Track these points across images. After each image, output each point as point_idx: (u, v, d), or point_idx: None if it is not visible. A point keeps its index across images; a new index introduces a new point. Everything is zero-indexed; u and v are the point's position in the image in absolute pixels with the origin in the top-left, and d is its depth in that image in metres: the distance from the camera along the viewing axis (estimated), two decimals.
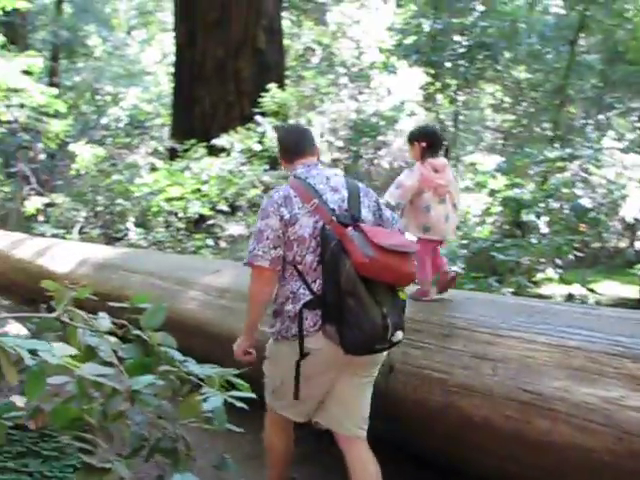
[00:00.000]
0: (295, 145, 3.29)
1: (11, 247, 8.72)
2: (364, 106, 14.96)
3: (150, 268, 6.01)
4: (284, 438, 3.28)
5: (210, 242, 9.52)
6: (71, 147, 10.05)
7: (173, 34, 13.92)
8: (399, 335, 2.90)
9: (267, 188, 9.04)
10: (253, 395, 2.29)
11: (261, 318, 3.19)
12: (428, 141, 3.77)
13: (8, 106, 8.70)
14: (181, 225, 9.81)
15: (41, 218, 11.18)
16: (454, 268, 3.59)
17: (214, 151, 9.55)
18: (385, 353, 3.05)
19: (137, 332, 2.36)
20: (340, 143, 17.71)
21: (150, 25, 24.02)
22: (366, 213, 3.11)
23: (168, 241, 9.55)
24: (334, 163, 19.08)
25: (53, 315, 2.33)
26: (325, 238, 2.92)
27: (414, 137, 3.83)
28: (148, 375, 2.19)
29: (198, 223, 9.90)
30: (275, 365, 3.14)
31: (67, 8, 23.08)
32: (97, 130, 18.25)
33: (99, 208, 11.04)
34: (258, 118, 8.88)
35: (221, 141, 9.48)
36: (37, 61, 8.77)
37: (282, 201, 3.03)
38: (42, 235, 10.25)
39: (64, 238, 9.94)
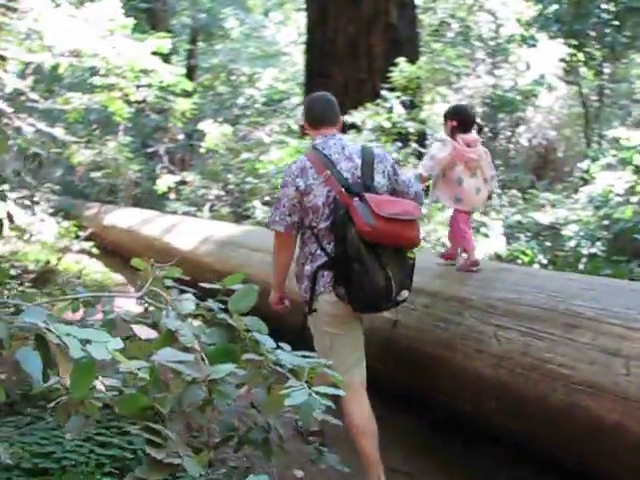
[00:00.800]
0: (320, 114, 3.51)
1: (141, 224, 8.92)
2: (501, 81, 14.29)
3: (270, 246, 5.85)
4: (358, 407, 3.32)
5: None
6: (200, 126, 10.17)
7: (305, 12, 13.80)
8: (404, 294, 3.24)
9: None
10: (342, 392, 2.01)
11: (285, 274, 3.56)
12: (459, 118, 4.01)
13: (138, 86, 8.86)
14: None
15: (173, 196, 11.41)
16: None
17: (344, 129, 9.33)
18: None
19: (223, 316, 2.14)
20: (477, 120, 17.07)
21: (285, 5, 24.10)
22: (380, 179, 3.37)
23: None
24: None
25: (136, 295, 2.16)
26: (335, 207, 3.20)
27: (446, 115, 4.09)
28: (229, 364, 1.97)
29: None
30: (315, 331, 3.46)
31: None
32: (232, 110, 18.56)
33: (230, 186, 11.13)
34: (385, 93, 8.54)
35: (351, 118, 9.22)
36: (165, 42, 8.87)
37: (298, 172, 3.31)
38: (174, 213, 10.47)
39: (195, 216, 10.08)
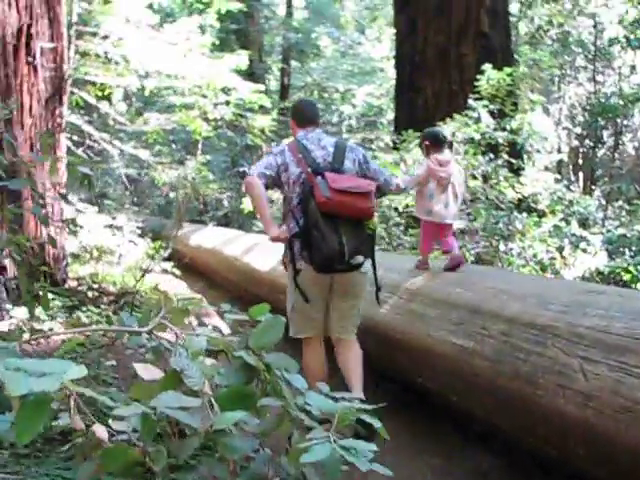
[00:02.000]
0: (304, 115, 4.24)
1: (224, 244, 8.81)
2: (603, 87, 13.51)
3: None
4: (316, 358, 4.13)
5: None
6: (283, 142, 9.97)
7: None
8: (359, 259, 3.84)
9: (486, 179, 8.27)
10: (373, 449, 1.69)
11: (266, 209, 4.03)
12: (431, 140, 4.62)
13: (215, 104, 8.82)
14: (399, 220, 9.34)
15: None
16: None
17: None
18: (359, 278, 3.98)
19: (240, 353, 1.85)
20: (578, 130, 16.24)
21: (377, 21, 23.90)
22: (350, 164, 4.04)
23: (381, 237, 9.11)
24: (573, 152, 17.61)
25: (144, 330, 1.91)
26: (302, 184, 3.88)
27: (422, 137, 4.77)
28: (243, 409, 1.68)
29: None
30: (289, 293, 4.11)
31: (301, 13, 23.76)
32: (325, 127, 18.46)
33: None
34: (471, 102, 8.11)
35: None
36: (242, 60, 8.79)
37: (278, 152, 4.06)
38: (260, 232, 10.33)
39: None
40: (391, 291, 4.56)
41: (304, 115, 4.23)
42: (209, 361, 1.86)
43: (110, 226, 9.70)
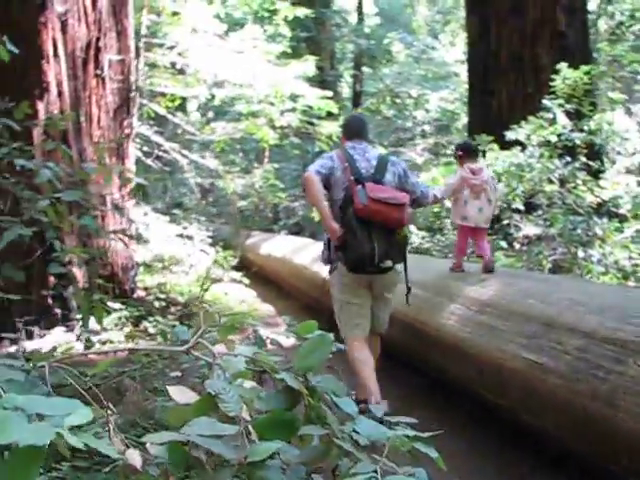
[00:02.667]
0: (352, 129, 4.58)
1: (294, 252, 8.72)
2: None
3: (415, 276, 5.38)
4: (362, 352, 4.28)
5: (503, 244, 8.66)
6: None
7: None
8: (388, 263, 4.16)
9: (562, 183, 7.92)
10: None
11: (325, 206, 4.22)
12: (463, 151, 5.07)
13: (282, 112, 8.74)
14: None
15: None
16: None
17: (508, 146, 8.64)
18: (395, 278, 4.33)
19: (284, 375, 1.71)
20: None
21: (450, 25, 23.54)
22: (390, 177, 4.33)
23: (454, 244, 8.86)
24: None
25: (182, 349, 1.79)
26: (345, 189, 4.20)
27: (455, 149, 5.30)
28: (280, 439, 1.54)
29: (492, 223, 9.07)
30: (334, 294, 4.47)
31: (373, 19, 23.65)
32: (397, 133, 18.24)
33: None
34: (546, 102, 7.77)
35: (513, 134, 8.51)
36: (309, 66, 8.70)
37: (328, 158, 4.37)
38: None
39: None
40: (461, 302, 4.35)
41: (352, 129, 4.60)
42: (249, 383, 1.72)
43: (181, 235, 9.75)
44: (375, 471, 1.51)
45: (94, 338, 5.73)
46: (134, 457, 1.71)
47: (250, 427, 1.58)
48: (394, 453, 1.82)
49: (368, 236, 4.06)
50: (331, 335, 1.90)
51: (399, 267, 4.29)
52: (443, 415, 4.35)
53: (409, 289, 4.33)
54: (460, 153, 5.06)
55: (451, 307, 4.41)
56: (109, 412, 2.21)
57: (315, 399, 1.70)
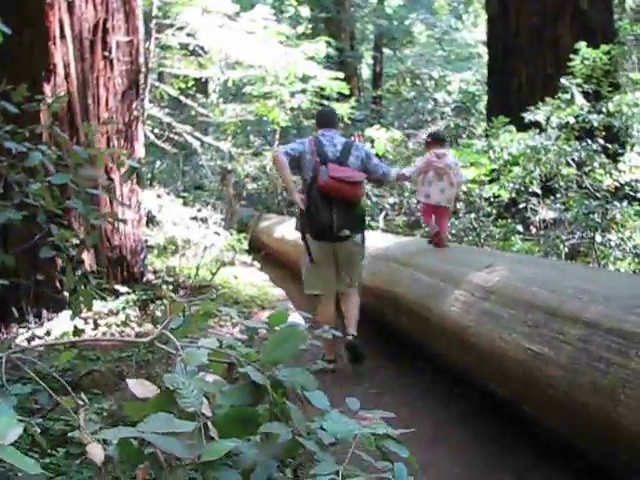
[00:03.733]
0: (323, 120, 5.42)
1: None
2: None
3: (420, 261, 5.29)
4: (326, 312, 5.20)
5: (520, 228, 8.51)
6: (367, 132, 9.75)
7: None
8: (345, 232, 4.99)
9: (580, 166, 7.74)
10: None
11: (289, 179, 5.13)
12: (431, 138, 5.89)
13: (293, 93, 8.62)
14: (490, 210, 8.92)
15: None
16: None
17: (527, 127, 8.45)
18: (354, 248, 5.17)
19: (247, 369, 1.63)
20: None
21: (472, 5, 23.18)
22: (353, 160, 5.13)
23: (470, 228, 8.73)
24: None
25: (145, 340, 1.72)
26: (312, 169, 5.01)
27: (426, 137, 6.27)
28: (241, 436, 1.46)
29: (509, 207, 8.91)
30: (302, 256, 5.33)
31: (395, 0, 23.33)
32: (417, 115, 18.03)
33: (406, 194, 10.59)
34: (564, 82, 7.58)
35: (531, 115, 8.33)
36: (320, 47, 8.56)
37: (301, 142, 5.25)
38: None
39: (370, 227, 9.66)
40: (465, 288, 4.24)
41: (323, 119, 5.45)
42: (212, 377, 1.65)
43: (195, 218, 9.71)
44: (337, 472, 1.43)
45: (102, 322, 5.74)
46: (95, 452, 1.65)
47: (210, 424, 1.51)
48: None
49: (329, 209, 4.92)
50: (303, 326, 1.82)
51: (358, 238, 5.16)
52: (447, 404, 4.28)
53: (362, 257, 5.32)
54: (429, 140, 5.90)
55: (455, 293, 4.31)
56: (80, 402, 2.16)
57: (280, 394, 1.62)
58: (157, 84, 8.64)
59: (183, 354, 1.64)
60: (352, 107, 10.42)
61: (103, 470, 1.54)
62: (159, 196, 9.53)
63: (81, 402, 2.11)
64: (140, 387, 1.62)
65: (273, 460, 1.63)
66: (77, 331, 2.90)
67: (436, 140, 5.78)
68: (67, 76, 6.10)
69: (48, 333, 4.23)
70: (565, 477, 3.19)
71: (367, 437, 1.56)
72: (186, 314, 1.91)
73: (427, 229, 9.10)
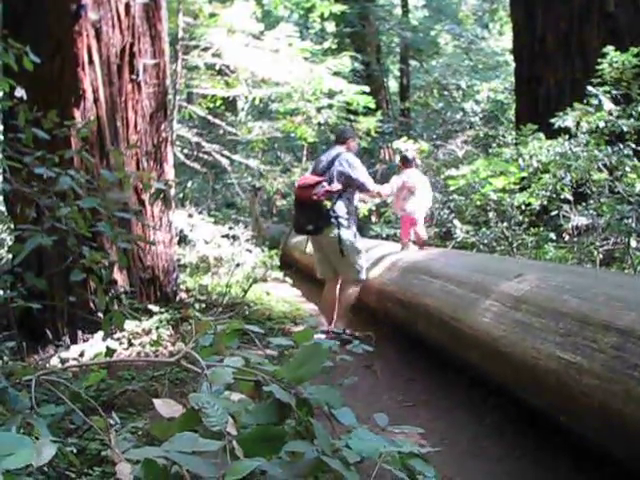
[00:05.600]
0: (334, 137, 6.77)
1: None
2: None
3: (451, 272, 5.26)
4: (326, 294, 6.59)
5: (552, 236, 8.42)
6: (395, 144, 9.74)
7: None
8: (310, 227, 6.25)
9: (612, 171, 7.63)
10: None
11: None
12: (402, 161, 7.16)
13: (319, 109, 8.66)
14: (521, 218, 8.85)
15: (374, 219, 11.05)
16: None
17: (556, 134, 8.37)
18: (326, 240, 6.28)
19: (272, 387, 1.64)
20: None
21: (498, 13, 23.08)
22: (335, 172, 6.18)
23: (501, 237, 8.66)
24: None
25: (171, 360, 1.74)
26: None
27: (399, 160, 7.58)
28: (266, 455, 1.47)
29: (540, 215, 8.82)
30: None
31: (421, 12, 23.35)
32: (445, 126, 17.97)
33: (437, 205, 10.55)
34: (591, 88, 7.50)
35: (559, 121, 8.24)
36: (345, 61, 8.60)
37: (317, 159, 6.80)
38: (377, 236, 10.12)
39: (396, 238, 9.63)
40: (495, 298, 4.21)
41: (334, 137, 6.76)
42: (237, 396, 1.66)
43: (226, 236, 9.77)
44: None
45: (136, 341, 5.81)
46: (124, 471, 1.67)
47: (235, 443, 1.52)
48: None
49: (298, 210, 6.36)
50: (329, 344, 1.83)
51: (332, 234, 6.16)
52: (481, 416, 4.24)
53: (342, 250, 6.19)
54: (400, 164, 7.25)
55: (486, 303, 4.28)
56: (111, 422, 2.19)
57: (304, 412, 1.62)
58: (185, 105, 8.75)
59: (209, 373, 1.65)
60: (379, 120, 10.43)
61: None
62: (190, 215, 9.61)
63: (112, 422, 2.14)
64: (166, 407, 1.64)
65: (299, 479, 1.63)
66: (109, 351, 2.93)
67: (406, 162, 6.97)
68: (96, 101, 6.20)
69: (82, 354, 4.28)
70: None
71: (393, 456, 1.56)
72: (214, 332, 1.93)
73: (458, 240, 9.23)
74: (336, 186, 6.13)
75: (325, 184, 6.12)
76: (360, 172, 6.30)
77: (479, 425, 4.12)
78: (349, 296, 6.37)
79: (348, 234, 6.18)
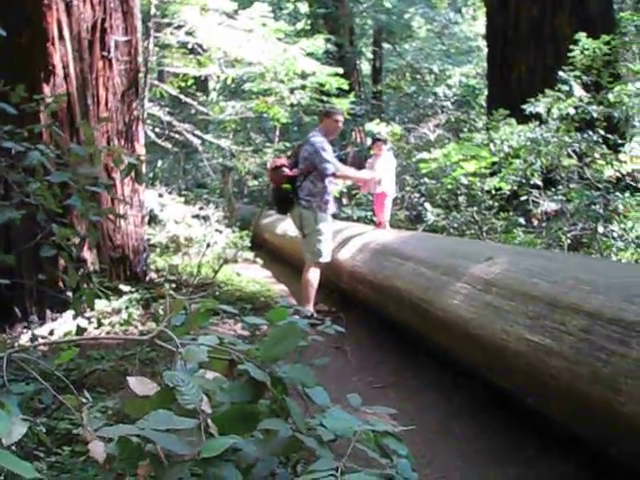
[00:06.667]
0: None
1: None
2: None
3: (422, 255, 5.29)
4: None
5: (521, 220, 8.51)
6: (368, 126, 9.72)
7: None
8: (277, 207, 6.79)
9: (581, 157, 7.72)
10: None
11: None
12: (375, 142, 7.35)
13: (292, 90, 8.62)
14: (492, 203, 8.93)
15: (345, 201, 11.08)
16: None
17: (527, 120, 8.43)
18: (297, 213, 6.51)
19: (247, 366, 1.63)
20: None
21: None
22: (303, 153, 6.40)
23: (471, 221, 8.72)
24: None
25: (145, 338, 1.73)
26: None
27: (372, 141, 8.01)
28: (242, 433, 1.47)
29: (510, 200, 8.90)
30: None
31: None
32: (418, 109, 18.01)
33: (407, 188, 10.59)
34: (562, 74, 7.56)
35: (531, 107, 8.30)
36: (318, 42, 8.57)
37: None
38: (348, 219, 10.13)
39: (372, 221, 9.66)
40: (466, 281, 4.25)
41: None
42: (212, 374, 1.65)
43: (197, 216, 9.72)
44: (336, 469, 1.43)
45: (106, 321, 5.76)
46: (97, 450, 1.67)
47: (209, 420, 1.52)
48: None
49: (272, 190, 6.96)
50: (302, 322, 1.83)
51: (295, 213, 6.46)
52: (451, 397, 4.29)
53: (303, 231, 6.52)
54: (371, 144, 7.48)
55: (457, 286, 4.31)
56: (84, 400, 2.17)
57: (279, 391, 1.62)
58: (157, 83, 8.65)
59: (183, 352, 1.65)
60: (352, 102, 10.41)
61: (108, 467, 1.56)
62: (161, 195, 9.53)
63: (84, 400, 2.12)
64: (140, 385, 1.63)
65: (274, 457, 1.64)
66: (80, 330, 2.90)
67: (377, 141, 7.27)
68: (66, 76, 6.10)
69: (51, 333, 4.24)
70: (569, 468, 3.20)
71: (367, 434, 1.57)
72: (187, 312, 1.92)
73: (429, 223, 9.29)
74: (295, 172, 6.37)
75: (286, 169, 6.38)
76: (322, 157, 6.32)
77: (448, 406, 4.17)
78: (309, 278, 6.40)
79: (308, 215, 6.34)
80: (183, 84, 9.45)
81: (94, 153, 3.23)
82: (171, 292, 5.09)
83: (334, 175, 6.55)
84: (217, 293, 6.61)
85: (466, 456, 3.48)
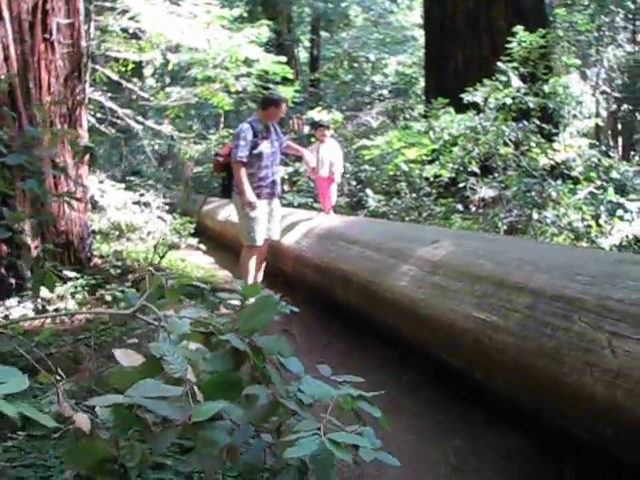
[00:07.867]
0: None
1: None
2: None
3: (367, 239, 5.42)
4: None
5: (460, 207, 8.75)
6: (309, 114, 9.81)
7: None
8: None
9: (517, 146, 8.00)
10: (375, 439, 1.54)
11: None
12: (315, 126, 7.64)
13: (237, 77, 8.65)
14: (429, 189, 9.14)
15: (286, 187, 11.14)
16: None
17: (464, 108, 8.66)
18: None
19: (228, 336, 1.72)
20: (617, 93, 15.70)
21: None
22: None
23: (411, 207, 8.93)
24: (611, 116, 17.04)
25: (127, 312, 1.78)
26: None
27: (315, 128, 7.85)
28: (226, 399, 1.55)
29: (449, 187, 9.13)
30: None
31: None
32: (355, 97, 18.19)
33: (346, 175, 10.73)
34: (501, 65, 7.81)
35: (469, 97, 8.53)
36: (262, 30, 8.61)
37: None
38: (290, 205, 10.21)
39: (312, 207, 9.77)
40: (413, 263, 4.40)
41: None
42: (194, 345, 1.73)
43: (138, 203, 9.64)
44: (319, 428, 1.53)
45: (50, 307, 5.71)
46: (82, 421, 1.71)
47: (195, 388, 1.59)
48: (344, 415, 1.86)
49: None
50: (276, 296, 1.92)
51: (233, 197, 6.58)
52: (399, 376, 4.43)
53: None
54: (316, 131, 7.38)
55: (404, 268, 4.46)
56: (58, 378, 2.21)
57: (260, 360, 1.71)
58: (97, 67, 8.53)
59: (166, 324, 1.71)
60: (296, 90, 10.49)
61: (95, 434, 1.61)
62: (101, 181, 9.43)
63: (58, 378, 2.16)
64: (126, 356, 1.69)
65: (249, 425, 1.73)
66: (40, 311, 2.91)
67: (320, 126, 7.36)
68: (7, 59, 5.97)
69: (6, 317, 4.20)
70: (516, 440, 3.38)
71: (344, 398, 1.67)
72: (157, 289, 1.98)
73: (370, 209, 9.47)
74: (225, 160, 6.54)
75: (220, 158, 6.63)
76: (235, 145, 6.32)
77: (397, 384, 4.31)
78: (243, 261, 6.58)
79: (236, 200, 6.52)
80: (122, 69, 9.34)
81: (51, 136, 3.22)
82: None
83: (242, 164, 6.31)
84: (153, 276, 6.59)
85: (417, 431, 3.63)
